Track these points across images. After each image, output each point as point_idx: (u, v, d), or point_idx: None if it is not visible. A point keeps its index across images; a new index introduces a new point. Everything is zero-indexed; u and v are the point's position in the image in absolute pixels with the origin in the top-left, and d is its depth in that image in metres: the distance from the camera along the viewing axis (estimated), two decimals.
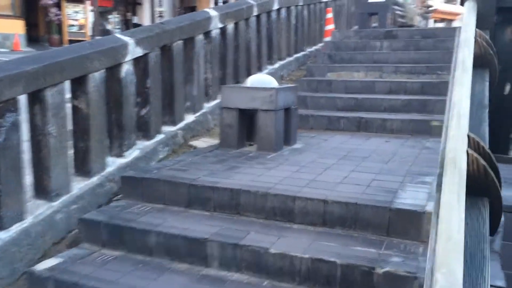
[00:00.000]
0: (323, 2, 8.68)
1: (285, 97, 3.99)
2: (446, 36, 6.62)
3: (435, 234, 1.12)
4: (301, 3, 7.57)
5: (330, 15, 8.33)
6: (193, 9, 20.64)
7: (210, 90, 5.09)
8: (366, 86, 5.70)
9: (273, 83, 4.06)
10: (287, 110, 4.05)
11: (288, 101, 4.08)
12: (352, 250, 2.38)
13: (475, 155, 1.33)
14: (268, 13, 6.45)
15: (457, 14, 42.50)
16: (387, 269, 2.18)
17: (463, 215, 1.01)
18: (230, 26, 5.39)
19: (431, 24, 30.64)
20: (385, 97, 5.28)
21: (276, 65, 6.71)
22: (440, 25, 34.44)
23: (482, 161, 1.32)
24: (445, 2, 37.04)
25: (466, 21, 2.18)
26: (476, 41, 2.38)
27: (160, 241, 2.68)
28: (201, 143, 4.41)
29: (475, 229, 1.20)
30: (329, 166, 3.42)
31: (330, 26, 8.26)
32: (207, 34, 4.97)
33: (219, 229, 2.69)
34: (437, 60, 6.05)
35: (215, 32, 5.10)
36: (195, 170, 3.34)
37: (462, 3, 3.73)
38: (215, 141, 4.47)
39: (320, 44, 8.62)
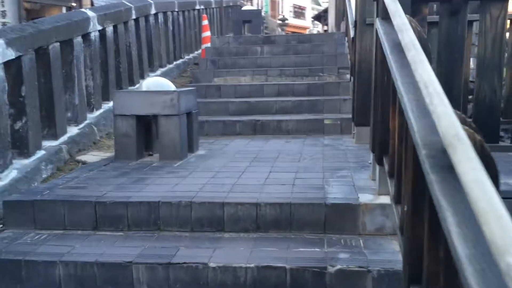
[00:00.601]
0: (196, 9, 8.56)
1: (187, 101, 3.73)
2: (320, 41, 6.98)
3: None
4: (176, 9, 7.33)
5: (205, 22, 8.22)
6: None
7: (93, 99, 4.56)
8: (255, 90, 5.68)
9: (171, 86, 3.76)
10: (189, 115, 3.79)
11: (190, 105, 3.83)
12: (297, 252, 2.23)
13: (470, 130, 1.27)
14: (146, 17, 6.09)
15: (305, 28, 46.23)
16: (338, 267, 2.08)
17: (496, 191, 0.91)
18: (110, 29, 4.93)
19: None
20: (276, 99, 5.31)
21: (158, 72, 6.36)
22: None
23: (478, 136, 1.26)
24: (294, 17, 39.97)
25: (393, 9, 2.20)
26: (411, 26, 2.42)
27: (71, 273, 2.22)
28: (91, 157, 3.90)
29: None
30: (245, 169, 3.25)
31: (207, 33, 8.15)
32: (86, 36, 4.46)
33: (142, 249, 2.33)
34: (316, 63, 6.32)
35: (94, 35, 4.60)
36: (97, 186, 2.89)
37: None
38: (106, 154, 4.00)
39: (197, 52, 8.48)
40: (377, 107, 2.57)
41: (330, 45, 6.68)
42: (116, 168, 3.39)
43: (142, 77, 5.85)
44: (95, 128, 4.41)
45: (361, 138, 4.16)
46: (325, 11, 36.62)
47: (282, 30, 23.28)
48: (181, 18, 7.67)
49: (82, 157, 3.88)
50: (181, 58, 7.64)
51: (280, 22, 25.46)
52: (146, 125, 3.78)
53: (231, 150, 4.06)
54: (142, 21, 5.88)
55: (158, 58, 6.49)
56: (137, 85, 5.60)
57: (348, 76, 5.91)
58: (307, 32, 46.36)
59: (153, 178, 3.07)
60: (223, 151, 4.02)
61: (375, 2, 2.97)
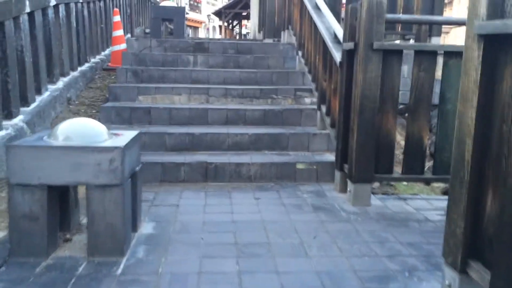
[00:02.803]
0: (102, 0, 6.95)
1: (131, 158, 2.40)
2: (263, 53, 5.89)
3: None
4: (81, 0, 5.73)
5: (117, 18, 6.68)
6: None
7: None
8: (196, 115, 4.41)
9: (104, 132, 2.39)
10: (132, 176, 2.46)
11: (134, 162, 2.50)
12: None
13: None
14: (44, 10, 4.48)
15: (201, 22, 45.02)
16: None
17: None
18: None
19: (188, 31, 31.09)
20: (228, 131, 4.11)
21: (60, 84, 4.78)
22: (189, 30, 35.42)
23: None
24: (189, 10, 38.51)
25: None
26: None
27: None
28: None
29: None
30: (239, 282, 2.04)
31: (119, 32, 6.61)
32: None
33: None
34: (266, 81, 5.23)
35: None
36: None
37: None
38: None
39: (105, 53, 6.88)
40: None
41: (277, 59, 5.62)
42: (8, 283, 1.96)
43: (39, 91, 4.26)
44: None
45: (361, 199, 3.18)
46: (227, 7, 35.75)
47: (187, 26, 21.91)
48: (85, 11, 6.05)
49: None
50: (87, 62, 6.03)
51: None
52: (61, 194, 2.38)
53: (190, 222, 2.79)
54: (38, 16, 4.27)
55: (59, 64, 4.89)
56: (33, 105, 4.02)
57: (307, 100, 4.91)
58: (202, 26, 45.14)
59: None
60: (179, 225, 2.74)
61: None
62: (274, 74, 5.27)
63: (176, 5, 7.64)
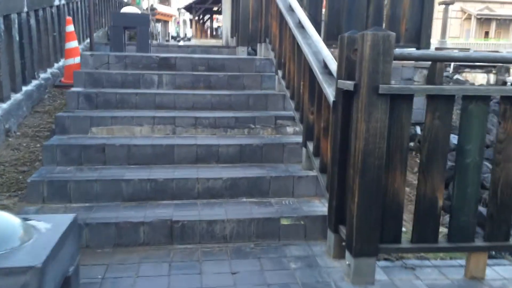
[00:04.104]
0: (55, 5, 6.14)
1: (59, 265, 1.72)
2: (237, 69, 5.22)
3: None
4: (26, 9, 4.93)
5: (71, 28, 5.89)
6: None
7: None
8: (160, 153, 3.73)
9: (16, 232, 1.69)
10: (64, 284, 1.78)
11: (64, 267, 1.81)
12: None
13: None
14: None
15: (171, 16, 43.91)
16: None
17: None
18: None
19: (158, 27, 30.07)
20: (198, 175, 3.44)
21: None
22: (158, 25, 34.19)
23: None
24: (159, 3, 37.24)
25: None
26: None
27: None
28: None
29: None
30: None
31: (74, 44, 5.82)
32: None
33: None
34: (241, 105, 4.57)
35: None
36: None
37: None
38: None
39: (58, 64, 6.09)
40: None
41: (253, 78, 4.96)
42: None
43: None
44: None
45: (363, 276, 2.57)
46: (197, 2, 34.76)
47: (153, 16, 21.16)
48: (32, 21, 5.25)
49: None
50: (34, 79, 5.24)
51: (151, 12, 23.23)
52: None
53: None
54: None
55: None
56: None
57: (289, 129, 4.29)
58: (172, 20, 43.85)
59: None
60: None
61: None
62: (251, 97, 4.61)
63: (139, 12, 6.84)
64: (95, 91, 4.40)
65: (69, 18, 5.91)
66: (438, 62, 2.50)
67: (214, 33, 45.13)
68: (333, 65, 2.98)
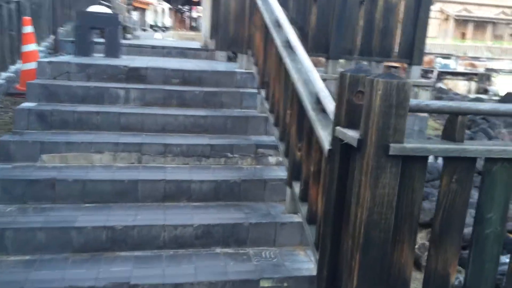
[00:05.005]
0: (13, 1, 5.49)
1: None
2: (215, 84, 4.68)
3: None
4: None
5: (29, 29, 5.24)
6: None
7: None
8: (120, 189, 3.19)
9: None
10: None
11: None
12: None
13: None
14: None
15: (149, 3, 42.80)
16: None
17: None
18: None
19: (135, 15, 29.11)
20: (165, 221, 2.93)
21: None
22: (135, 13, 32.99)
23: None
24: None
25: None
26: None
27: None
28: None
29: None
30: None
31: (32, 47, 5.20)
32: None
33: None
34: (219, 129, 4.05)
35: None
36: None
37: None
38: None
39: (15, 67, 5.45)
40: None
41: (233, 95, 4.45)
42: None
43: None
44: None
45: None
46: None
47: (129, 5, 20.40)
48: None
49: None
50: None
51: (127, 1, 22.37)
52: None
53: None
54: None
55: None
56: None
57: (271, 159, 3.81)
58: (149, 8, 42.61)
59: None
60: None
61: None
62: (230, 119, 4.10)
63: (109, 11, 6.21)
64: (50, 109, 3.81)
65: (26, 18, 5.26)
66: (460, 115, 2.04)
67: (194, 24, 44.20)
68: (329, 105, 2.50)
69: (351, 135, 2.08)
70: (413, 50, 5.58)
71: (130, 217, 2.97)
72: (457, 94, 11.11)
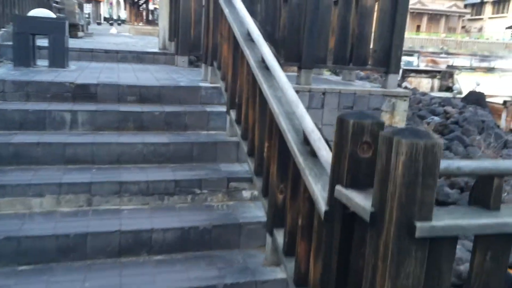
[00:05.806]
0: None
1: None
2: (178, 102, 4.12)
3: None
4: None
5: None
6: None
7: None
8: (67, 246, 2.61)
9: None
10: None
11: None
12: None
13: None
14: None
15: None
16: None
17: None
18: None
19: (88, 8, 27.69)
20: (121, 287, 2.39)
21: None
22: (89, 6, 31.33)
23: None
24: None
25: None
26: None
27: None
28: None
29: None
30: None
31: None
32: None
33: None
34: (184, 158, 3.51)
35: None
36: None
37: None
38: None
39: None
40: None
41: (198, 115, 3.91)
42: None
43: None
44: None
45: None
46: None
47: (80, 7, 19.26)
48: None
49: None
50: None
51: None
52: None
53: None
54: None
55: None
56: None
57: (245, 194, 3.32)
58: (105, 0, 40.86)
59: None
60: None
61: None
62: (196, 146, 3.56)
63: (53, 15, 5.48)
64: None
65: None
66: (496, 178, 1.62)
67: (151, 17, 42.82)
68: (323, 152, 2.02)
69: (360, 203, 1.62)
70: (390, 57, 5.22)
71: (77, 283, 2.40)
72: (424, 94, 10.96)
